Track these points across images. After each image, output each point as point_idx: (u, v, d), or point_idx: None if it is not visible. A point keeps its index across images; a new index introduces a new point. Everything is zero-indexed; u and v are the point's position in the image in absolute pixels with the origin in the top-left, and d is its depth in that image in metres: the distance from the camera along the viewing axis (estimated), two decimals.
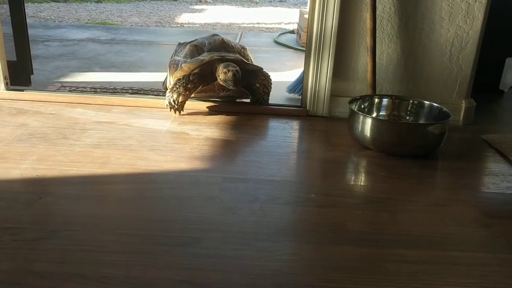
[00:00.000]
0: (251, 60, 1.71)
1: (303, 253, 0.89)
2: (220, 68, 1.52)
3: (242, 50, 1.69)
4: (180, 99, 1.52)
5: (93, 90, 1.80)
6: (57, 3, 4.75)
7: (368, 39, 1.50)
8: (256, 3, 5.53)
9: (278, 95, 1.75)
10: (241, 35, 3.35)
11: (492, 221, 1.02)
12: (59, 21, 3.82)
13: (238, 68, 1.52)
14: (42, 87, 1.78)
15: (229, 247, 0.89)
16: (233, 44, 1.67)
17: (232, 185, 1.12)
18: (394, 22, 1.53)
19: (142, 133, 1.38)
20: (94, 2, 4.93)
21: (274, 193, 1.09)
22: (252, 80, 1.63)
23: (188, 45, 1.66)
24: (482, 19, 1.50)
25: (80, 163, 1.17)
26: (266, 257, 0.87)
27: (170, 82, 1.64)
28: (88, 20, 3.95)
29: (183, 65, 1.58)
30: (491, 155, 1.38)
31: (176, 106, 1.52)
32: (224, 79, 1.51)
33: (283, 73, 2.16)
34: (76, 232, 0.90)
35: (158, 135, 1.37)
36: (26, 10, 1.83)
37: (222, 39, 1.66)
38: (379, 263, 0.87)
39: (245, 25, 4.12)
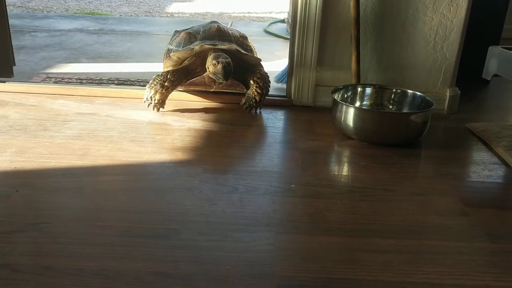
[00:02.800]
0: (252, 49, 1.60)
1: (280, 244, 0.89)
2: (209, 59, 1.43)
3: (241, 39, 1.57)
4: (157, 96, 1.44)
5: (78, 81, 1.79)
6: None
7: (352, 28, 1.49)
8: None
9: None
10: (231, 25, 3.32)
11: (471, 210, 1.03)
12: (47, 11, 3.77)
13: (229, 59, 1.41)
14: (27, 78, 1.77)
15: (206, 238, 0.89)
16: (230, 32, 1.56)
17: (212, 176, 1.12)
18: (378, 11, 1.52)
19: (123, 124, 1.37)
20: None
21: (254, 184, 1.09)
22: (248, 75, 1.51)
23: (182, 33, 1.58)
24: (466, 7, 1.50)
25: (59, 155, 1.16)
26: (242, 248, 0.87)
27: (163, 67, 1.60)
28: (77, 10, 3.91)
29: (171, 53, 1.52)
30: (474, 144, 1.38)
31: (153, 103, 1.45)
32: (213, 71, 1.41)
33: (272, 63, 2.14)
34: (51, 225, 0.90)
35: (139, 126, 1.36)
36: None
37: (218, 26, 1.55)
38: (355, 252, 0.87)
39: (236, 14, 4.09)
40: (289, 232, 0.92)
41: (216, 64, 1.40)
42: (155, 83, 1.44)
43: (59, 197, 1.00)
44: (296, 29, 1.54)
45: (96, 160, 1.15)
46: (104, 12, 3.83)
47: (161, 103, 1.45)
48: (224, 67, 1.38)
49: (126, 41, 2.61)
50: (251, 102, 1.50)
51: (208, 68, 1.43)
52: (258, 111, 1.53)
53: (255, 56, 1.59)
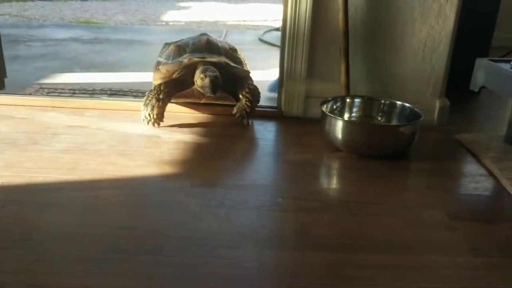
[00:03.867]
0: (242, 62, 1.59)
1: (265, 260, 0.89)
2: (197, 73, 1.43)
3: (231, 51, 1.57)
4: (156, 111, 1.42)
5: (71, 91, 1.79)
6: (42, 1, 4.71)
7: (341, 40, 1.50)
8: None
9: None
10: (226, 33, 3.34)
11: (456, 223, 1.03)
12: (43, 20, 3.79)
13: (217, 73, 1.41)
14: (20, 89, 1.77)
15: (191, 255, 0.89)
16: (220, 44, 1.56)
17: (200, 190, 1.12)
18: (367, 23, 1.53)
19: (113, 137, 1.37)
20: (80, 0, 4.90)
21: (241, 198, 1.09)
22: (237, 89, 1.51)
23: (171, 45, 1.58)
24: (453, 19, 1.51)
25: (47, 170, 1.16)
26: (227, 264, 0.87)
27: (153, 80, 1.60)
28: (72, 18, 3.92)
29: (160, 66, 1.52)
30: (462, 155, 1.39)
31: (153, 119, 1.43)
32: (201, 85, 1.41)
33: (266, 72, 2.15)
34: (36, 242, 0.90)
35: (129, 139, 1.37)
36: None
37: (208, 38, 1.55)
38: (339, 268, 0.87)
39: (231, 22, 4.11)
40: (275, 248, 0.93)
41: (203, 77, 1.40)
42: (149, 99, 1.43)
43: (46, 213, 1.00)
44: (286, 40, 1.55)
45: (84, 175, 1.15)
46: (99, 21, 3.85)
47: (160, 117, 1.44)
48: (211, 81, 1.38)
49: (120, 50, 2.62)
50: (243, 113, 1.50)
51: (196, 81, 1.43)
52: (249, 121, 1.53)
53: (245, 68, 1.60)
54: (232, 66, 1.51)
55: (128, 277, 0.82)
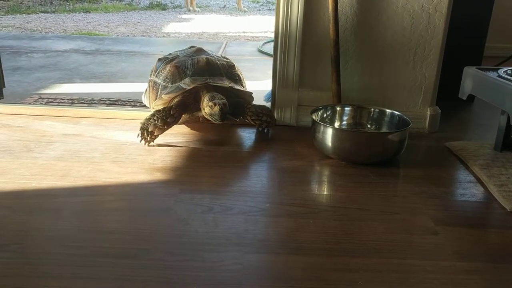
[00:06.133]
0: (241, 78, 1.58)
1: (247, 263, 0.90)
2: (205, 100, 1.40)
3: (230, 69, 1.54)
4: (156, 132, 1.39)
5: (70, 101, 1.83)
6: (45, 13, 4.78)
7: (331, 50, 1.52)
8: (245, 11, 5.57)
9: (256, 104, 1.74)
10: (225, 44, 3.38)
11: (441, 228, 1.04)
12: (46, 32, 3.85)
13: (225, 100, 1.39)
14: (20, 99, 1.81)
15: (175, 258, 0.91)
16: (219, 63, 1.53)
17: (189, 196, 1.14)
18: (357, 32, 1.55)
19: (107, 145, 1.40)
20: (83, 12, 4.97)
21: (229, 204, 1.11)
22: (240, 112, 1.52)
23: (168, 66, 1.52)
24: (443, 28, 1.53)
25: (40, 176, 1.19)
26: (211, 268, 0.88)
27: (150, 104, 1.56)
28: (74, 30, 3.98)
29: (163, 95, 1.46)
30: (451, 163, 1.40)
31: (148, 138, 1.40)
32: (210, 113, 1.39)
33: (263, 82, 2.18)
34: (25, 246, 0.92)
35: (122, 147, 1.39)
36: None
37: (207, 59, 1.51)
38: (321, 272, 0.89)
39: (231, 34, 4.15)
40: (258, 252, 0.94)
41: (213, 106, 1.37)
42: (155, 118, 1.39)
43: (36, 218, 1.02)
44: (278, 50, 1.57)
45: (76, 181, 1.17)
46: (101, 33, 3.90)
47: (154, 139, 1.41)
48: (221, 109, 1.37)
49: (120, 61, 2.66)
50: (265, 125, 1.54)
51: (204, 109, 1.41)
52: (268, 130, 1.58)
53: (244, 86, 1.59)
54: (235, 89, 1.50)
55: (112, 280, 0.84)
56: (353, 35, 1.56)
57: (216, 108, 1.37)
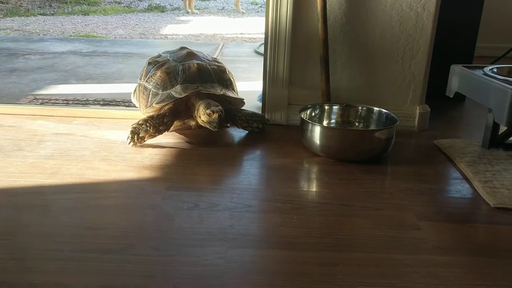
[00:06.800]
0: (232, 82, 1.56)
1: (230, 258, 0.92)
2: (201, 109, 1.39)
3: (221, 74, 1.52)
4: (146, 138, 1.40)
5: (65, 102, 1.84)
6: (44, 16, 4.81)
7: (320, 49, 1.53)
8: (243, 13, 5.59)
9: (250, 104, 1.74)
10: (222, 46, 3.40)
11: (424, 224, 1.05)
12: (44, 34, 3.87)
13: (220, 106, 1.39)
14: (15, 100, 1.82)
15: (159, 253, 0.92)
16: (210, 68, 1.50)
17: (175, 193, 1.15)
18: (346, 32, 1.57)
19: (97, 143, 1.41)
20: (81, 14, 5.00)
21: (215, 200, 1.12)
22: (231, 118, 1.52)
23: (159, 72, 1.48)
24: (431, 27, 1.54)
25: (29, 174, 1.20)
26: (193, 262, 0.90)
27: (140, 109, 1.54)
28: (72, 33, 4.01)
29: (154, 103, 1.44)
30: (439, 160, 1.41)
31: (137, 142, 1.40)
32: (208, 120, 1.38)
33: (258, 82, 2.19)
34: (11, 241, 0.94)
35: (112, 146, 1.41)
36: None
37: (198, 65, 1.48)
38: (301, 265, 0.90)
39: (229, 35, 4.18)
40: (241, 246, 0.95)
41: (211, 114, 1.37)
42: (147, 125, 1.39)
43: (24, 215, 1.03)
44: (268, 49, 1.59)
45: (65, 179, 1.19)
46: (99, 35, 3.93)
47: (143, 142, 1.42)
48: (219, 116, 1.36)
49: (117, 63, 2.68)
50: (256, 130, 1.54)
51: (200, 117, 1.40)
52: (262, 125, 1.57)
53: (235, 90, 1.59)
54: (227, 96, 1.50)
55: (95, 275, 0.85)
56: (342, 34, 1.57)
57: (215, 116, 1.36)
